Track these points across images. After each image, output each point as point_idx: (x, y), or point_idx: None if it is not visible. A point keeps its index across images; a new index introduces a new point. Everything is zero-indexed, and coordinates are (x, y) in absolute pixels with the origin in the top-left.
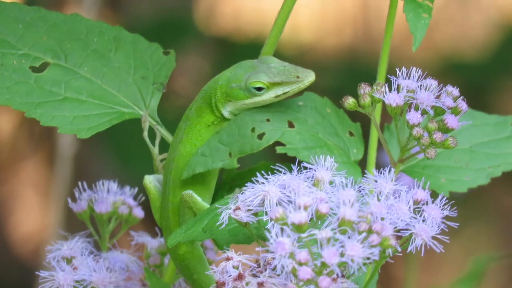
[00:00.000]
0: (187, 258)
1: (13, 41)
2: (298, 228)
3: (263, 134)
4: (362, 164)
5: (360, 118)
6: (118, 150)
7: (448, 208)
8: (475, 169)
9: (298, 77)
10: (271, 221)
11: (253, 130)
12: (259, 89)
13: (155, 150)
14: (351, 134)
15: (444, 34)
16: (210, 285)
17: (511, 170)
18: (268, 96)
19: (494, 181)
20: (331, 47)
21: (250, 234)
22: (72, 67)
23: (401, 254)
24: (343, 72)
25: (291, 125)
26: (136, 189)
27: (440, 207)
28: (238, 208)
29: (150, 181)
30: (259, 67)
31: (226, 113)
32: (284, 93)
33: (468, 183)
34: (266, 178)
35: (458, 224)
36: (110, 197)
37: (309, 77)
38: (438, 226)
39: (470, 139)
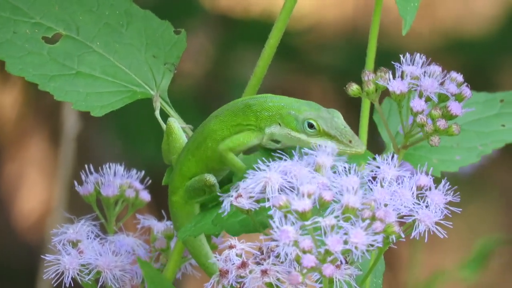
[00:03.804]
0: (175, 207)
1: (25, 8)
2: (302, 216)
3: None
4: None
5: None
6: (122, 130)
7: (451, 193)
8: (466, 148)
9: (350, 141)
10: (273, 207)
11: None
12: (311, 126)
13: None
14: None
15: (448, 9)
16: None
17: (501, 147)
18: (314, 140)
19: (497, 159)
20: (332, 19)
21: (253, 222)
22: (85, 40)
23: (404, 240)
24: (345, 47)
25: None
26: (143, 172)
27: (443, 192)
28: (240, 196)
29: (175, 121)
30: (324, 113)
31: (268, 131)
32: None
33: (459, 163)
34: (268, 165)
35: (461, 209)
36: (117, 180)
37: (359, 148)
38: (441, 212)
39: (460, 118)
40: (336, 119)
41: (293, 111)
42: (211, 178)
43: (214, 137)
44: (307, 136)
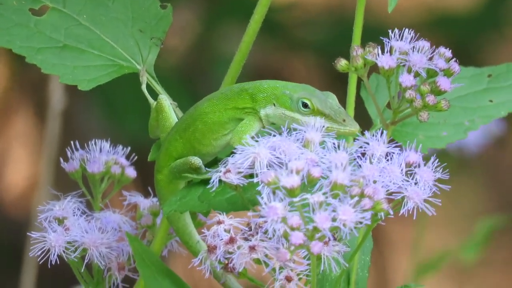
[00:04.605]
0: (161, 185)
1: None
2: (290, 192)
3: None
4: None
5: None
6: (108, 106)
7: (440, 171)
8: (453, 124)
9: (344, 120)
10: (261, 183)
11: None
12: (305, 106)
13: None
14: None
15: None
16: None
17: (488, 123)
18: (307, 119)
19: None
20: None
21: (241, 199)
22: (71, 13)
23: (392, 216)
24: (330, 23)
25: None
26: (129, 149)
27: (432, 169)
28: (228, 171)
29: (166, 99)
30: (318, 94)
31: (263, 113)
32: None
33: (446, 139)
34: (257, 140)
35: (449, 186)
36: (103, 156)
37: (352, 127)
38: (430, 189)
39: (448, 93)
40: (331, 100)
41: (287, 90)
42: (196, 161)
43: (204, 119)
44: (301, 115)
